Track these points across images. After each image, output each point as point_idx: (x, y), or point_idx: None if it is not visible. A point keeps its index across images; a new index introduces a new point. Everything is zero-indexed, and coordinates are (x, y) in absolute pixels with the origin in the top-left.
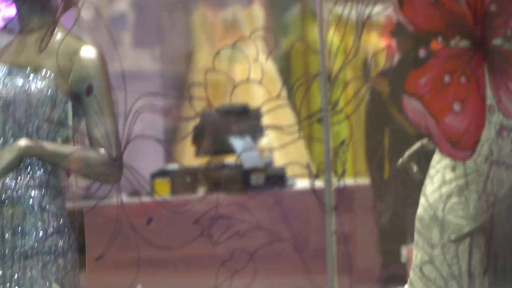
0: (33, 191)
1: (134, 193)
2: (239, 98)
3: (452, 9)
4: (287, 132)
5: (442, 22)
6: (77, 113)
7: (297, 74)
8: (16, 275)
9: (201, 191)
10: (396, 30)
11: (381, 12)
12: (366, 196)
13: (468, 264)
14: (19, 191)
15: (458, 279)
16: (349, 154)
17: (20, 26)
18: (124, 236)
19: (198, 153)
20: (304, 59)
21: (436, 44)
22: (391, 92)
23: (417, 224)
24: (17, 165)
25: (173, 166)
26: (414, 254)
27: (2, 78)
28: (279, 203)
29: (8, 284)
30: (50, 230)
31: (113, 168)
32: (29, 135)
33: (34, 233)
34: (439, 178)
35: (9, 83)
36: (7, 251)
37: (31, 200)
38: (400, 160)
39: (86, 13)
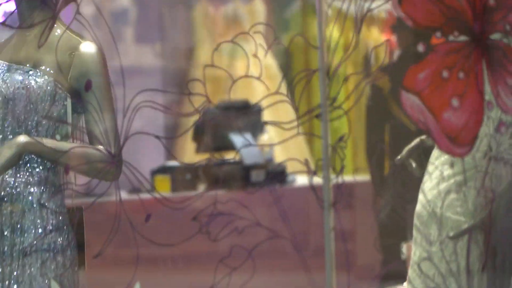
0: (32, 188)
1: (134, 190)
2: (240, 94)
3: (451, 4)
4: (286, 128)
5: (441, 17)
6: (77, 110)
7: (298, 70)
8: (15, 272)
9: (201, 188)
10: (397, 26)
11: (380, 6)
12: (366, 193)
13: (467, 261)
14: (18, 188)
15: (457, 276)
16: (350, 150)
17: (19, 21)
18: (124, 233)
19: (198, 149)
20: (305, 55)
21: (436, 39)
22: (391, 88)
23: (415, 220)
24: (16, 161)
25: (173, 163)
26: (413, 251)
27: (1, 74)
28: (279, 199)
29: (7, 282)
30: (49, 227)
31: (112, 165)
32: (28, 132)
33: (33, 230)
34: (438, 175)
35: (8, 79)
36: (6, 249)
37: (30, 197)
38: (399, 156)
39: (87, 9)
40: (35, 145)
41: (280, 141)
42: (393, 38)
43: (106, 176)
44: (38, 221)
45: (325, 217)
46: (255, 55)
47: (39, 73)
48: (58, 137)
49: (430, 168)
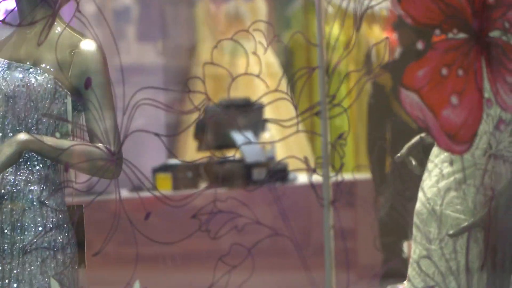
0: (33, 186)
1: (135, 188)
2: (241, 92)
3: (450, 2)
4: (286, 126)
5: (440, 15)
6: (77, 108)
7: (299, 68)
8: (15, 270)
9: (203, 186)
10: (398, 23)
11: (379, 4)
12: (367, 191)
13: (466, 259)
14: (19, 186)
15: (456, 275)
16: (351, 147)
17: (19, 19)
18: (124, 231)
19: (200, 147)
20: (306, 53)
21: (436, 37)
22: (393, 85)
23: (415, 219)
24: (16, 159)
25: (175, 161)
26: (413, 249)
27: (2, 72)
28: (280, 198)
29: (7, 280)
30: (49, 225)
31: (112, 163)
32: (28, 129)
33: (33, 228)
34: (437, 172)
35: (8, 77)
36: (6, 247)
37: (30, 195)
38: (399, 154)
39: (89, 7)
40: (35, 143)
41: (281, 139)
42: (395, 36)
43: (106, 174)
44: (38, 219)
45: (324, 215)
46: (255, 53)
47: (39, 71)
48: (58, 135)
49: (429, 166)
